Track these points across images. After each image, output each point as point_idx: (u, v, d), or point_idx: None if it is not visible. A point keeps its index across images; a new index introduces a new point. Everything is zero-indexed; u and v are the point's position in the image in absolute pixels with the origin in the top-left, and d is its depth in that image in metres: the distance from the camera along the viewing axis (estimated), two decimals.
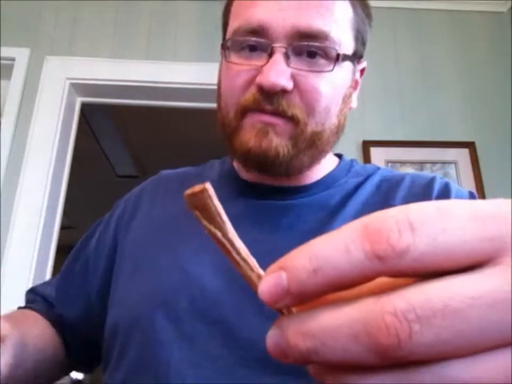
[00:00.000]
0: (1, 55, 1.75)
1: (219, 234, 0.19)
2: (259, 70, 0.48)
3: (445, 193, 0.53)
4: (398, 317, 0.15)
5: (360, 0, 0.54)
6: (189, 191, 0.19)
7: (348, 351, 0.16)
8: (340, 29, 0.49)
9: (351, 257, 0.16)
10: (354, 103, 0.56)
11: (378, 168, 0.60)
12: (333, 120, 0.51)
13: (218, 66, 0.55)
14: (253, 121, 0.49)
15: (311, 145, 0.50)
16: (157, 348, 0.45)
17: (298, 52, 0.48)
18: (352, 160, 0.61)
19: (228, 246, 0.19)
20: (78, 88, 1.82)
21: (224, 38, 0.55)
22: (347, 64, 0.51)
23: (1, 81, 1.77)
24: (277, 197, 0.53)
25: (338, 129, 0.53)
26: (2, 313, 0.55)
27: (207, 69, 1.69)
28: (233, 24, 0.51)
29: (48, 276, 1.60)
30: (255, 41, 0.49)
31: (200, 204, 0.19)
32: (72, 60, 1.80)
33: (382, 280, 0.17)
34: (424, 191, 0.53)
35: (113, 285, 0.55)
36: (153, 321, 0.46)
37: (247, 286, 0.45)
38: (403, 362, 0.15)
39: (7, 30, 1.80)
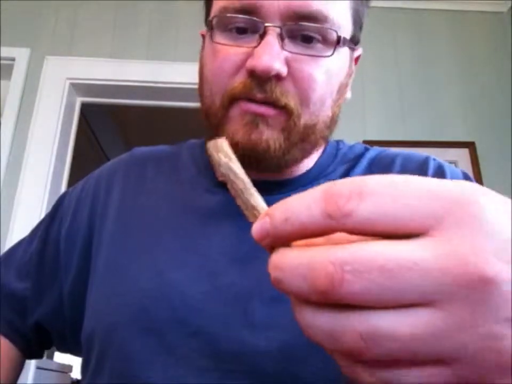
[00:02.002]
0: (1, 55, 1.75)
1: (236, 169, 0.24)
2: (250, 53, 0.43)
3: (439, 176, 0.49)
4: (335, 266, 0.18)
5: None
6: (211, 143, 0.25)
7: (299, 287, 0.19)
8: (339, 9, 0.44)
9: (311, 213, 0.20)
10: (349, 94, 0.52)
11: (367, 149, 0.56)
12: (327, 112, 0.47)
13: (200, 51, 0.50)
14: (241, 111, 0.44)
15: (304, 139, 0.46)
16: (136, 364, 0.41)
17: (293, 35, 0.43)
18: (338, 142, 0.57)
19: (241, 182, 0.24)
20: (78, 88, 1.82)
21: (206, 20, 0.49)
22: (345, 50, 0.47)
23: (1, 81, 1.77)
24: (262, 193, 0.49)
25: (332, 122, 0.49)
26: None
27: None
28: (219, 2, 0.45)
29: None
30: (246, 20, 0.43)
31: (220, 147, 0.24)
32: (72, 60, 1.80)
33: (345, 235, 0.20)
34: (418, 174, 0.50)
35: (89, 286, 0.50)
36: (130, 333, 0.42)
37: (235, 292, 0.43)
38: (341, 304, 0.19)
39: (7, 30, 1.80)
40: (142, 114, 2.80)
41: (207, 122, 0.48)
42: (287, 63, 0.43)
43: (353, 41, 0.48)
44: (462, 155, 1.73)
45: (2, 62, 1.76)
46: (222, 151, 0.24)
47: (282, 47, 0.42)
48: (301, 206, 0.20)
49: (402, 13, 1.96)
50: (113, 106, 2.17)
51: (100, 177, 0.58)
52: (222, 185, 0.49)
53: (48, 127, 1.69)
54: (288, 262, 0.20)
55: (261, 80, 0.42)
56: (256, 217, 0.22)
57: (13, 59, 1.76)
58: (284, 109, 0.44)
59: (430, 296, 0.18)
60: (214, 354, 0.40)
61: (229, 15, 0.44)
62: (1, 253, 0.61)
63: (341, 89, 0.48)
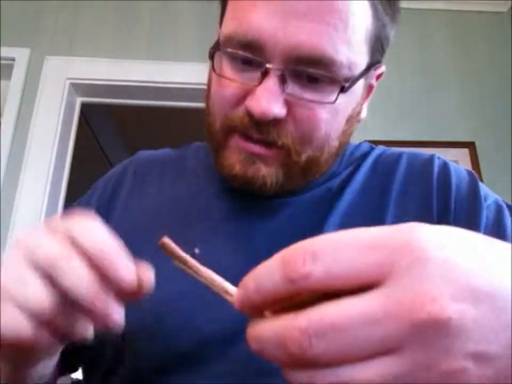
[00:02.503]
0: (1, 55, 1.75)
1: (187, 269, 0.27)
2: (251, 90, 0.42)
3: (444, 174, 0.50)
4: (301, 332, 0.20)
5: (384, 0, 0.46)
6: (159, 243, 0.28)
7: (277, 355, 0.21)
8: (352, 47, 0.42)
9: (274, 280, 0.21)
10: (364, 113, 0.50)
11: (372, 148, 0.56)
12: (333, 143, 0.46)
13: (210, 62, 0.49)
14: (239, 146, 0.44)
15: (306, 171, 0.46)
16: (147, 369, 0.42)
17: (297, 75, 0.42)
18: None
19: (195, 275, 0.27)
20: (78, 88, 1.82)
21: (220, 24, 0.48)
22: (357, 83, 0.45)
23: (1, 81, 1.77)
24: (275, 196, 0.49)
25: (339, 150, 0.48)
26: None
27: (207, 69, 1.69)
28: (227, 25, 0.45)
29: None
30: (248, 58, 0.42)
31: (167, 250, 0.28)
32: (72, 60, 1.80)
33: (309, 295, 0.22)
34: (423, 172, 0.51)
35: None
36: (143, 341, 0.42)
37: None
38: (313, 364, 0.20)
39: (7, 30, 1.80)
40: (142, 114, 2.80)
41: (209, 136, 0.48)
42: (288, 104, 0.42)
43: (370, 68, 0.46)
44: (462, 155, 1.73)
45: (2, 62, 1.75)
46: (172, 255, 0.28)
47: (283, 90, 0.41)
48: (265, 274, 0.22)
49: (403, 12, 1.95)
50: (113, 106, 2.16)
51: (105, 186, 0.58)
52: (229, 191, 0.50)
53: (48, 127, 1.69)
54: (262, 334, 0.22)
55: (258, 122, 0.42)
56: (230, 297, 0.25)
57: (13, 59, 1.76)
58: (282, 148, 0.43)
59: (385, 344, 0.19)
60: (227, 358, 0.40)
61: (231, 50, 0.43)
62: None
63: (351, 119, 0.47)
